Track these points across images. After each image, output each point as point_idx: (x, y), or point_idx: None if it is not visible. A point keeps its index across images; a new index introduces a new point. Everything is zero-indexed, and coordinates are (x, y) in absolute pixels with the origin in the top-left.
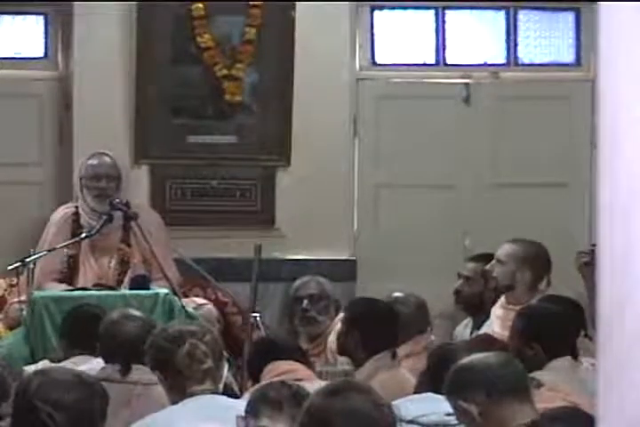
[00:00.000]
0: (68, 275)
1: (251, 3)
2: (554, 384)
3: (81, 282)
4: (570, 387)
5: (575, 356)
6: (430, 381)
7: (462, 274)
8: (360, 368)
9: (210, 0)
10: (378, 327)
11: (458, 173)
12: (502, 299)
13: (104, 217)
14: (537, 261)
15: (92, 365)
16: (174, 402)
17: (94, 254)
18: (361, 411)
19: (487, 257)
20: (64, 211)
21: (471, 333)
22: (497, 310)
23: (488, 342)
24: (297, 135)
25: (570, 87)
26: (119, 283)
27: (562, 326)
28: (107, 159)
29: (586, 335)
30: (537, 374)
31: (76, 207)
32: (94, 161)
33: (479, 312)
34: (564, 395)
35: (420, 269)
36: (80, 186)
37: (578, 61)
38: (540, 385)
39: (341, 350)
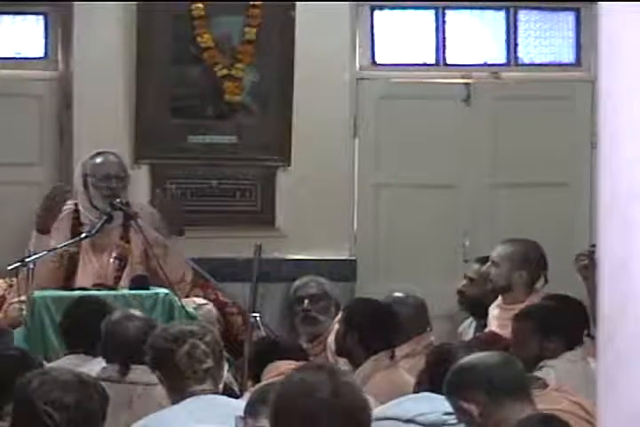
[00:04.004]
0: (68, 272)
1: (251, 3)
2: (562, 382)
3: (80, 279)
4: (577, 382)
5: None
6: (429, 380)
7: (467, 275)
8: (358, 368)
9: (210, 0)
10: (376, 328)
11: (458, 173)
12: (499, 299)
13: (104, 217)
14: (532, 259)
15: (92, 366)
16: (175, 402)
17: (94, 252)
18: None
19: None
20: (63, 208)
21: (474, 333)
22: (494, 310)
23: (489, 342)
24: (297, 135)
25: (570, 87)
26: (117, 279)
27: (568, 324)
28: (113, 158)
29: (588, 335)
30: (549, 364)
31: (76, 204)
32: (102, 159)
33: (482, 313)
34: (570, 395)
35: (420, 269)
36: (84, 183)
37: (578, 61)
38: (545, 385)
39: (340, 351)
